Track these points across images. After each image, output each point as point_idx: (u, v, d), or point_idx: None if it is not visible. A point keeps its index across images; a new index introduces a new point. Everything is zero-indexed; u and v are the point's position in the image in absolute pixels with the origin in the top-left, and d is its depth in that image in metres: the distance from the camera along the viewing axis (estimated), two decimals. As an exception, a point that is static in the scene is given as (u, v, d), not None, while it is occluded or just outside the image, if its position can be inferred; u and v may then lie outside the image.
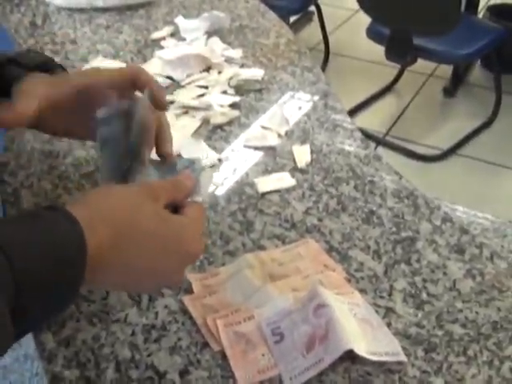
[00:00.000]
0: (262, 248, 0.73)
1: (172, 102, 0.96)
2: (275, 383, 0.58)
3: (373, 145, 0.92)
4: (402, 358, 0.60)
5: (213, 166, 0.85)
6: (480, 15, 3.09)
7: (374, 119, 2.84)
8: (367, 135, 2.71)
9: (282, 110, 0.95)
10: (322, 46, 3.22)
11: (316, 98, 1.00)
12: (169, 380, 0.59)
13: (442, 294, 0.67)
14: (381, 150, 2.64)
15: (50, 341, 0.62)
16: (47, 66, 0.72)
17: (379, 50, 2.54)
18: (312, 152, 0.88)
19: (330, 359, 0.58)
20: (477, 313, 0.65)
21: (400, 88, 3.02)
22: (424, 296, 0.67)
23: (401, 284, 0.68)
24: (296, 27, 3.43)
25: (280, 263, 0.70)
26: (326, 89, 1.02)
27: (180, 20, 1.19)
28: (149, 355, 0.61)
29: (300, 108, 0.97)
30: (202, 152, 0.86)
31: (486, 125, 2.77)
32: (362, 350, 0.59)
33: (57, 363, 0.60)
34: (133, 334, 0.63)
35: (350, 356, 0.58)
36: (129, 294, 0.67)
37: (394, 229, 0.75)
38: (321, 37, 3.21)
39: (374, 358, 0.59)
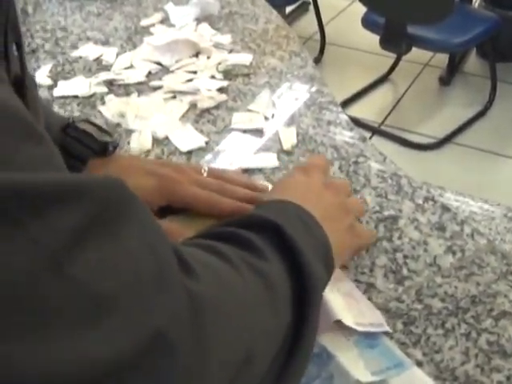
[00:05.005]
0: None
1: (160, 87, 0.97)
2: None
3: (358, 129, 0.94)
4: (386, 328, 0.61)
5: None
6: (476, 4, 3.10)
7: (370, 109, 2.84)
8: (363, 124, 2.72)
9: (269, 94, 0.96)
10: (318, 36, 3.23)
11: (303, 81, 1.01)
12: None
13: (422, 270, 0.68)
14: (376, 139, 2.65)
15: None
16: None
17: (375, 39, 2.54)
18: (298, 134, 0.89)
19: (320, 332, 0.59)
20: (456, 287, 0.66)
21: (396, 77, 3.03)
22: (404, 272, 0.68)
23: (382, 260, 0.70)
24: (292, 17, 3.43)
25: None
26: (313, 73, 1.03)
27: (170, 7, 1.20)
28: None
29: (287, 91, 0.98)
30: (189, 135, 0.87)
31: (482, 113, 2.78)
32: (349, 321, 0.60)
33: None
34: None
35: (339, 328, 0.60)
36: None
37: (377, 208, 0.76)
38: (317, 27, 3.22)
39: (360, 329, 0.60)
